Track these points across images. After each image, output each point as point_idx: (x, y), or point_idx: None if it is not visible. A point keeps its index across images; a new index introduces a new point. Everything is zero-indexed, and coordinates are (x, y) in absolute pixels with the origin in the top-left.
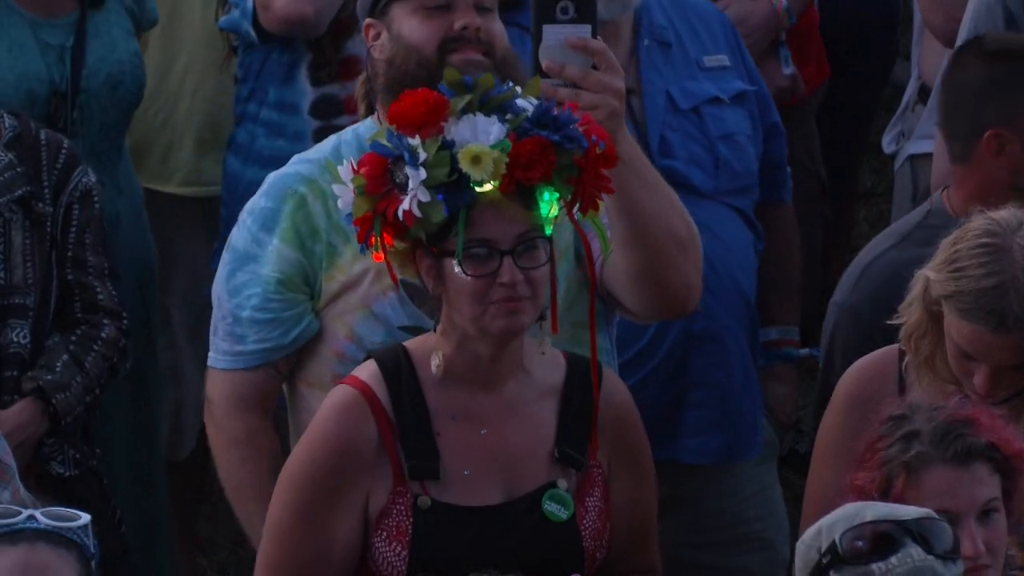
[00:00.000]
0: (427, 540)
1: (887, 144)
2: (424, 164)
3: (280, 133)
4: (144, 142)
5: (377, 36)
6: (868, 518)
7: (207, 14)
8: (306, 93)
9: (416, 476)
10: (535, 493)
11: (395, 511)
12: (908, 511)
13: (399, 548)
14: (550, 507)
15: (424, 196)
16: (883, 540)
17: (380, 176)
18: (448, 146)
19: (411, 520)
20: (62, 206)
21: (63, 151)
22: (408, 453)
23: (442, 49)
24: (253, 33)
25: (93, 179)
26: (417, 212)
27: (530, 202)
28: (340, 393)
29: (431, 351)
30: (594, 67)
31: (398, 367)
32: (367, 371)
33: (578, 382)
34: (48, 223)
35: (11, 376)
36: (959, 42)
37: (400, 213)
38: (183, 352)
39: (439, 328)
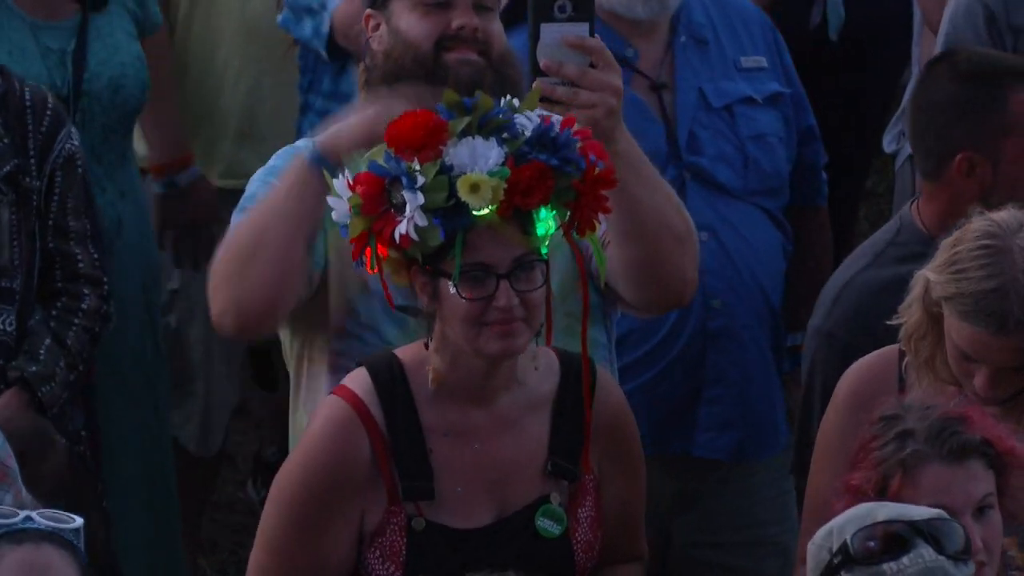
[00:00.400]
0: (421, 561)
1: (887, 143)
2: (422, 188)
3: None
4: (186, 135)
5: (377, 27)
6: (880, 518)
7: (244, 9)
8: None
9: (410, 496)
10: (528, 509)
11: (389, 530)
12: (920, 512)
13: (392, 568)
14: (543, 523)
15: (421, 220)
16: (894, 540)
17: (377, 196)
18: (447, 170)
19: (405, 540)
20: (46, 175)
21: (48, 111)
22: (402, 472)
23: (439, 47)
24: (325, 53)
25: (76, 142)
26: (414, 235)
27: (527, 225)
28: (333, 406)
29: (423, 363)
30: (592, 65)
31: (391, 380)
32: (359, 382)
33: (571, 388)
34: (34, 196)
35: None
36: (937, 44)
37: (397, 236)
38: (213, 348)
39: (432, 344)
